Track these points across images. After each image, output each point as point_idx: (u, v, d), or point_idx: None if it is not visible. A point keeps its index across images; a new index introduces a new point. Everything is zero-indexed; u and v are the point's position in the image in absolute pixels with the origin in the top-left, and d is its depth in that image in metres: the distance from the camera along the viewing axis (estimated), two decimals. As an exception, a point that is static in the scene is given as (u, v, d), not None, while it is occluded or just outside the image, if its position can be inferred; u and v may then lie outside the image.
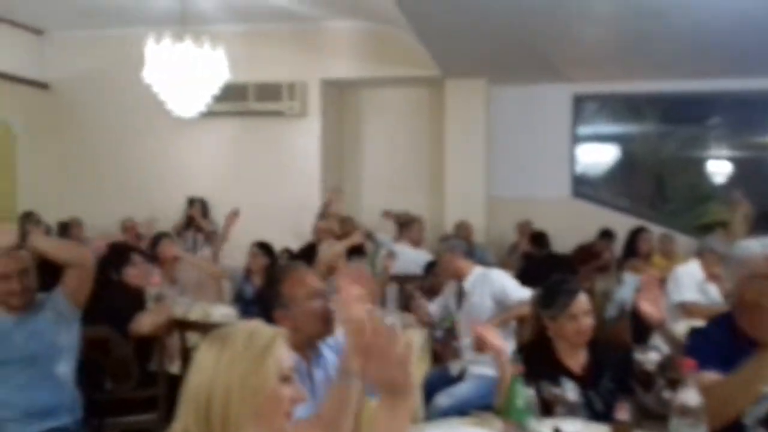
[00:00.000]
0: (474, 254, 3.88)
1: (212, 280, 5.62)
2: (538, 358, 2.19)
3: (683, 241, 6.11)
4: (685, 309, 3.95)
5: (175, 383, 3.47)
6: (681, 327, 3.14)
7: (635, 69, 6.37)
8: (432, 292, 4.24)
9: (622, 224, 6.33)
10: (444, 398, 3.33)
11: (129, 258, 3.72)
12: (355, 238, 4.84)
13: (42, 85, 7.20)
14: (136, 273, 3.68)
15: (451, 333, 3.87)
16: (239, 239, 6.62)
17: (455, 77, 6.62)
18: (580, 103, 7.17)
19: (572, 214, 6.85)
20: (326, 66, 6.83)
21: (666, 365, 2.21)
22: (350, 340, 1.62)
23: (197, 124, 6.44)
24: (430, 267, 4.35)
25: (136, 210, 6.49)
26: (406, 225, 5.86)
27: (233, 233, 5.50)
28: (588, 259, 6.00)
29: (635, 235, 5.77)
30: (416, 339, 3.70)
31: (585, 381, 2.19)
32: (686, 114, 7.41)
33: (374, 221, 6.81)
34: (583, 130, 7.29)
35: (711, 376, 1.89)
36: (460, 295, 3.63)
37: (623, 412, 1.86)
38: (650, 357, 2.23)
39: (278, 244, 5.13)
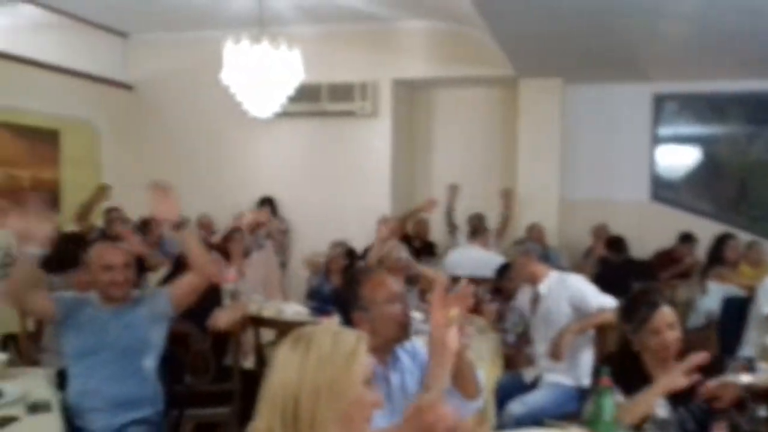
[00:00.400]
0: (549, 258, 3.78)
1: (276, 277, 5.81)
2: (625, 371, 2.10)
3: (772, 250, 5.78)
4: (776, 321, 3.73)
5: (248, 378, 3.57)
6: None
7: (719, 67, 6.07)
8: (504, 296, 4.17)
9: (703, 229, 6.06)
10: (517, 406, 3.26)
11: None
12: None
13: (126, 86, 7.51)
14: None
15: (524, 338, 3.79)
16: (310, 238, 6.74)
17: (530, 76, 6.49)
18: (660, 102, 6.91)
19: (651, 218, 6.62)
20: (398, 66, 6.82)
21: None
22: (435, 356, 1.60)
23: (272, 124, 6.58)
24: (503, 270, 4.27)
25: (211, 208, 6.69)
26: (478, 229, 5.82)
27: (305, 233, 5.59)
28: (668, 264, 5.79)
29: (721, 241, 5.44)
30: (488, 344, 3.65)
31: (676, 397, 2.08)
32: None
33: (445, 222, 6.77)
34: (664, 130, 7.00)
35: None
36: (535, 300, 3.54)
37: (720, 433, 1.76)
38: (742, 378, 2.11)
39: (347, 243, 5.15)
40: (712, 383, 2.04)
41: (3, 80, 6.14)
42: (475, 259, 5.14)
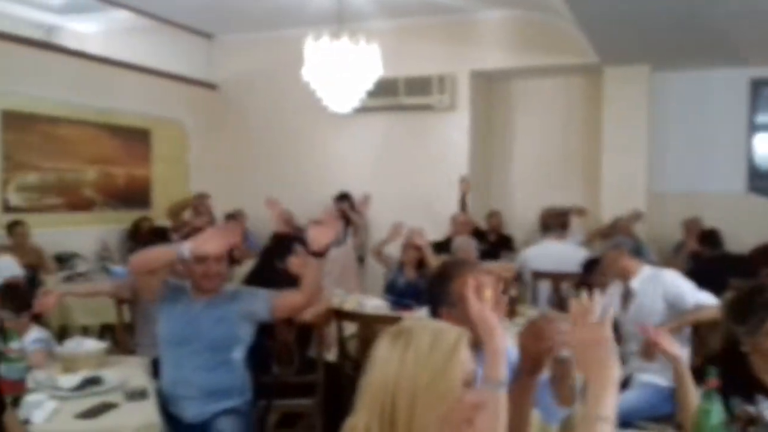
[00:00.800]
0: (641, 252, 3.61)
1: (353, 272, 5.89)
2: (729, 372, 1.97)
3: None
4: None
5: (331, 371, 3.60)
6: None
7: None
8: (590, 292, 4.01)
9: (806, 223, 5.66)
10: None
11: (291, 247, 3.88)
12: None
13: (210, 86, 7.76)
14: (297, 262, 3.83)
15: (613, 336, 3.64)
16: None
17: (615, 64, 6.24)
18: (758, 88, 6.49)
19: (747, 211, 6.24)
20: (476, 57, 6.72)
21: None
22: (489, 345, 1.53)
23: (351, 119, 6.63)
24: (590, 265, 4.11)
25: (292, 203, 6.80)
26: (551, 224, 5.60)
27: (383, 228, 5.59)
28: (770, 260, 5.42)
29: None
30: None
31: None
32: None
33: (525, 216, 6.64)
34: (762, 118, 6.59)
35: None
36: (626, 297, 3.39)
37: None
38: None
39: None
40: None
41: (100, 83, 6.47)
42: (557, 254, 4.97)
